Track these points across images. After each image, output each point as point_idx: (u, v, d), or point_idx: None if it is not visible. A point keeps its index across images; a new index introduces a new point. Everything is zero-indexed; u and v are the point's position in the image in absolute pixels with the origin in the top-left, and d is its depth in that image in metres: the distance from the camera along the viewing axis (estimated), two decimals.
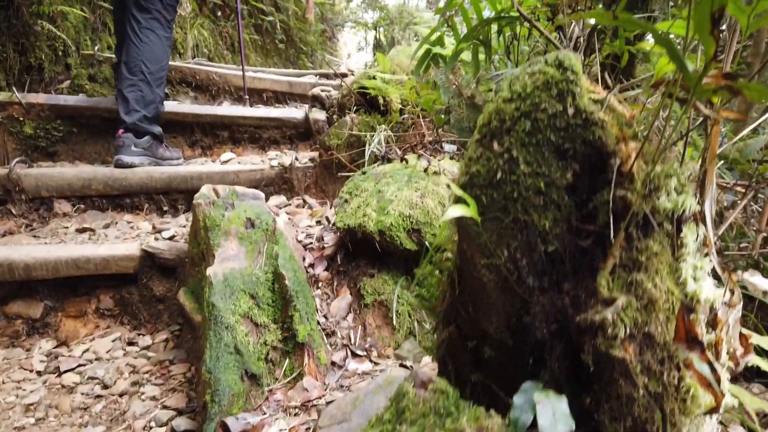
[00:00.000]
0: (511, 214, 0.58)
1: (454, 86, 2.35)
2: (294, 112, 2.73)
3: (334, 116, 2.65)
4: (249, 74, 3.38)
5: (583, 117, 0.56)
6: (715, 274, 0.60)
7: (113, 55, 3.28)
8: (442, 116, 2.07)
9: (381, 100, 2.40)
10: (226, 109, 2.71)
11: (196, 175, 2.19)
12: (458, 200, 0.58)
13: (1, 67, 2.92)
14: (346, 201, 1.48)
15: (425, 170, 1.49)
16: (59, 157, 2.58)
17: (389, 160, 1.59)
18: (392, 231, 1.30)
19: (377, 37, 19.45)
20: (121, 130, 2.23)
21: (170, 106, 2.66)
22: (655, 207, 0.55)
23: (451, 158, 1.60)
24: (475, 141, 0.61)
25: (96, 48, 3.30)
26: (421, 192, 1.38)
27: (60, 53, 3.22)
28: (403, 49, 3.09)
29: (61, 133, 2.57)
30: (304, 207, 2.04)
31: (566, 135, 0.57)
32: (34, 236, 1.90)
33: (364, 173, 1.62)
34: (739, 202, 1.04)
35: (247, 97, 3.31)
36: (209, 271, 1.32)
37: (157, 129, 2.35)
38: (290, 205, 2.11)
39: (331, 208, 1.84)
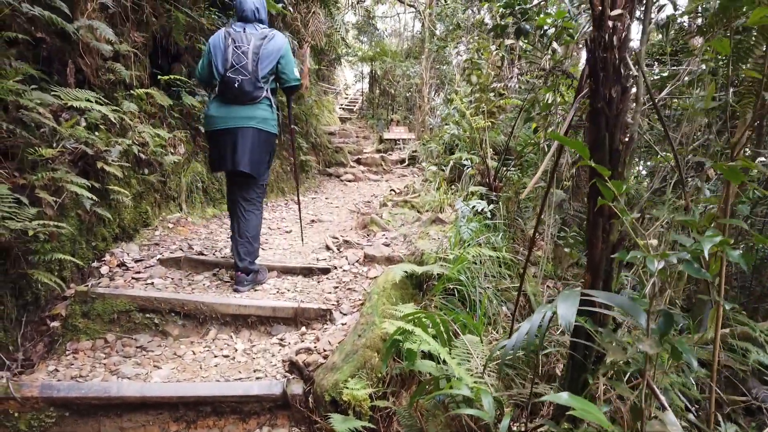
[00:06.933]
0: None
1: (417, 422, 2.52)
2: (273, 386, 2.89)
3: (310, 396, 2.83)
4: (234, 302, 3.55)
5: None
6: None
7: (106, 290, 3.43)
8: None
9: (351, 413, 2.58)
10: (209, 386, 2.88)
11: None
12: None
13: None
14: None
15: None
16: None
17: None
18: None
19: (373, 70, 19.41)
20: (240, 272, 3.74)
21: (154, 389, 2.83)
22: None
23: None
24: None
25: (90, 283, 3.46)
26: None
27: (54, 283, 3.33)
28: (374, 303, 3.24)
29: (53, 419, 2.74)
30: None
31: None
32: None
33: None
34: None
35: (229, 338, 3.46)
36: None
37: (256, 267, 3.86)
38: None
39: None
